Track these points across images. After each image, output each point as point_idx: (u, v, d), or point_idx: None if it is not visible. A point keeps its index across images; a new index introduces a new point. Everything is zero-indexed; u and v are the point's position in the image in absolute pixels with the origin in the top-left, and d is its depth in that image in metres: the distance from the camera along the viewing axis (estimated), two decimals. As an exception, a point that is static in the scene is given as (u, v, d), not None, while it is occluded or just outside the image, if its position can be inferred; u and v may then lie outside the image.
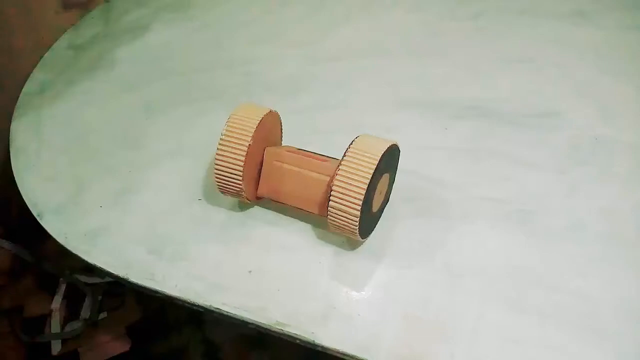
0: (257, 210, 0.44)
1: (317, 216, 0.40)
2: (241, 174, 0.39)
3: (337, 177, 0.36)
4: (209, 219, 0.44)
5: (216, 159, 0.39)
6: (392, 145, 0.38)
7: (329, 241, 0.41)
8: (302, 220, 0.43)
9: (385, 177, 0.39)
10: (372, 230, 0.41)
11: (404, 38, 0.59)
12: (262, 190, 0.42)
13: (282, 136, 0.45)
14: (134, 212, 0.45)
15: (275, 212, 0.44)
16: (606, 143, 0.46)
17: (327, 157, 0.41)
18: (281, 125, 0.44)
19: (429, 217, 0.42)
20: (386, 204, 0.43)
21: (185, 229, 0.44)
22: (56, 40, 0.66)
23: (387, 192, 0.42)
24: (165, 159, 0.49)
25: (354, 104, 0.52)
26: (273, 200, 0.43)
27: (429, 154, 0.47)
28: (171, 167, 0.49)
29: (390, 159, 0.39)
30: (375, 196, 0.38)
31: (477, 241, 0.40)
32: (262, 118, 0.40)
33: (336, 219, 0.37)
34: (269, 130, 0.42)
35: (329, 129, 0.50)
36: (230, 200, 0.45)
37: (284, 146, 0.44)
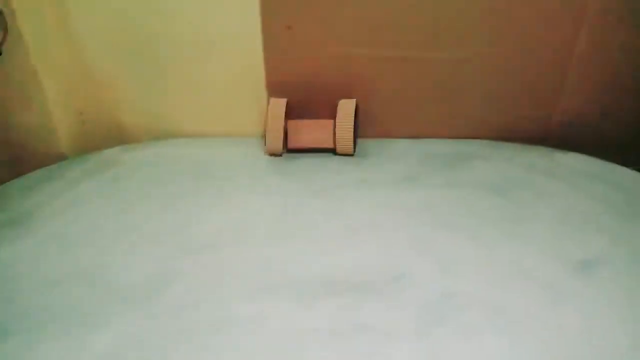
0: None
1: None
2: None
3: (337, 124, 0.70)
4: None
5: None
6: (355, 101, 0.70)
7: None
8: None
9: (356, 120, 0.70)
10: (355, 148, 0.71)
11: (259, 223, 0.61)
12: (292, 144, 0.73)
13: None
14: None
15: None
16: (453, 298, 0.49)
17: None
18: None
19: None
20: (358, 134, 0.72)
21: None
22: None
23: (358, 128, 0.72)
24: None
25: (214, 300, 0.51)
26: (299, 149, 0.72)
27: (301, 339, 0.46)
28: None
29: (356, 109, 0.70)
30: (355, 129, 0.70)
31: None
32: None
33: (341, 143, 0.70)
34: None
35: (194, 328, 0.47)
36: None
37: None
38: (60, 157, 0.75)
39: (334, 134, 0.70)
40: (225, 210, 0.63)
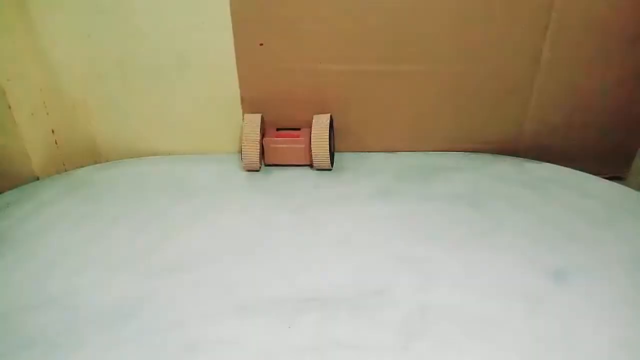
0: None
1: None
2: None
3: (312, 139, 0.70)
4: None
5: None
6: (330, 115, 0.71)
7: None
8: None
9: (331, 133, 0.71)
10: (333, 163, 0.73)
11: (236, 240, 0.60)
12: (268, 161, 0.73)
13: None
14: None
15: None
16: (433, 310, 0.49)
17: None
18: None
19: None
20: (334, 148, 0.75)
21: None
22: None
23: (334, 141, 0.75)
24: None
25: (191, 319, 0.50)
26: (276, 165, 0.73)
27: (280, 357, 0.45)
28: None
29: (331, 123, 0.71)
30: (331, 143, 0.71)
31: None
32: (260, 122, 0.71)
33: (318, 159, 0.70)
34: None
35: (171, 350, 0.46)
36: None
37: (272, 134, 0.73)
38: (32, 178, 0.73)
39: (310, 149, 0.70)
40: (201, 228, 0.62)
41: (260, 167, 0.72)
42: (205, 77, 0.72)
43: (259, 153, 0.71)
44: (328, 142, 0.69)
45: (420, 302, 0.50)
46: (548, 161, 0.72)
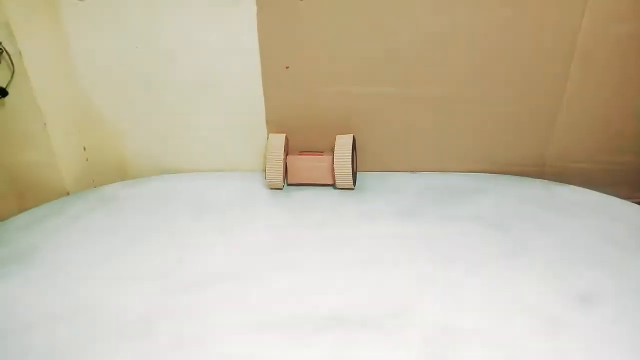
0: None
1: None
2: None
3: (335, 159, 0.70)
4: None
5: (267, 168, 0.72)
6: (353, 136, 0.71)
7: None
8: None
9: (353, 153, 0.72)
10: (355, 182, 0.72)
11: (257, 257, 0.61)
12: (291, 180, 0.74)
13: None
14: None
15: None
16: (454, 333, 0.48)
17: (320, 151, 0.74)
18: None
19: None
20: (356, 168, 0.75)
21: None
22: None
23: (356, 161, 0.74)
24: None
25: (210, 335, 0.50)
26: (298, 184, 0.74)
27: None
28: None
29: (354, 143, 0.72)
30: (353, 162, 0.71)
31: None
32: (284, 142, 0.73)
33: (340, 178, 0.70)
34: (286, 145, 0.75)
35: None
36: None
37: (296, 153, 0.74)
38: (63, 193, 0.76)
39: (333, 168, 0.70)
40: (224, 244, 0.63)
41: (283, 186, 0.73)
42: (232, 97, 0.74)
43: (282, 171, 0.71)
44: (350, 162, 0.70)
45: (442, 324, 0.49)
46: (575, 184, 0.71)
